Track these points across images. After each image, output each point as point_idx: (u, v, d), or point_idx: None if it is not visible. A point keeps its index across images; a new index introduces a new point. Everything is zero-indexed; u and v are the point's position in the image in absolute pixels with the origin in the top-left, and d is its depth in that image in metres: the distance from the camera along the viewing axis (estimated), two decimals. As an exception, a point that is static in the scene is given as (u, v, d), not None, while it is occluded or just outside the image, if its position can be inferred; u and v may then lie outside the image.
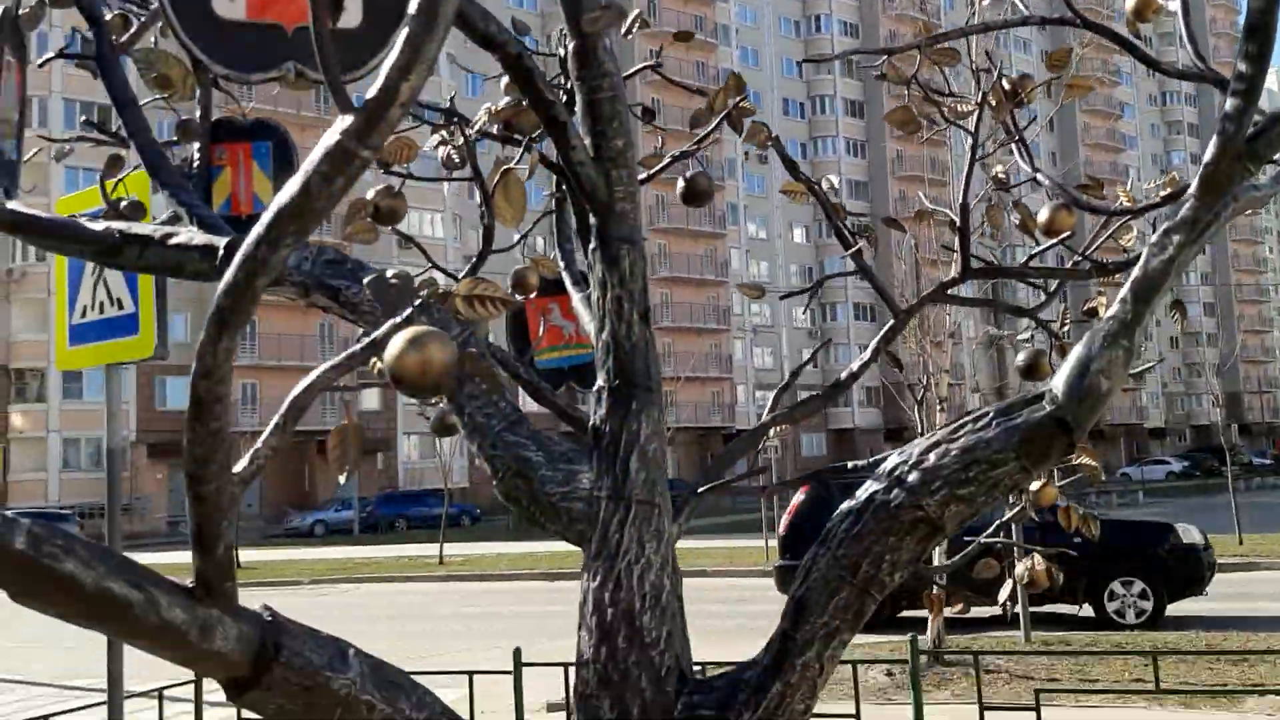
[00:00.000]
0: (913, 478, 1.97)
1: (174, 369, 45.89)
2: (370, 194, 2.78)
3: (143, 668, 4.79)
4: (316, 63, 1.36)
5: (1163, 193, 2.86)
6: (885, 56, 2.86)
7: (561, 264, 2.96)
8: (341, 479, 1.64)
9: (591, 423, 2.21)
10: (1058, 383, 1.95)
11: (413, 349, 1.32)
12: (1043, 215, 2.93)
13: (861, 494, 2.02)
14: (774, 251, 77.20)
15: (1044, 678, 9.73)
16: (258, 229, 1.25)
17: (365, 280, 1.54)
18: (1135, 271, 1.96)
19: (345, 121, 1.19)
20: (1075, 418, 1.92)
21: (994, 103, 2.89)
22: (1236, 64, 1.91)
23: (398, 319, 1.39)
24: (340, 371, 1.43)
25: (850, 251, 2.87)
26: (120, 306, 5.87)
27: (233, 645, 1.45)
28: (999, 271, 2.96)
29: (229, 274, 1.28)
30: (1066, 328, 2.99)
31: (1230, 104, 1.92)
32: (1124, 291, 1.96)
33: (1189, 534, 14.39)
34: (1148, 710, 8.56)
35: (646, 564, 2.12)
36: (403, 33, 1.18)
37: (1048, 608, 14.30)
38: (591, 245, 2.19)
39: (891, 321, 2.89)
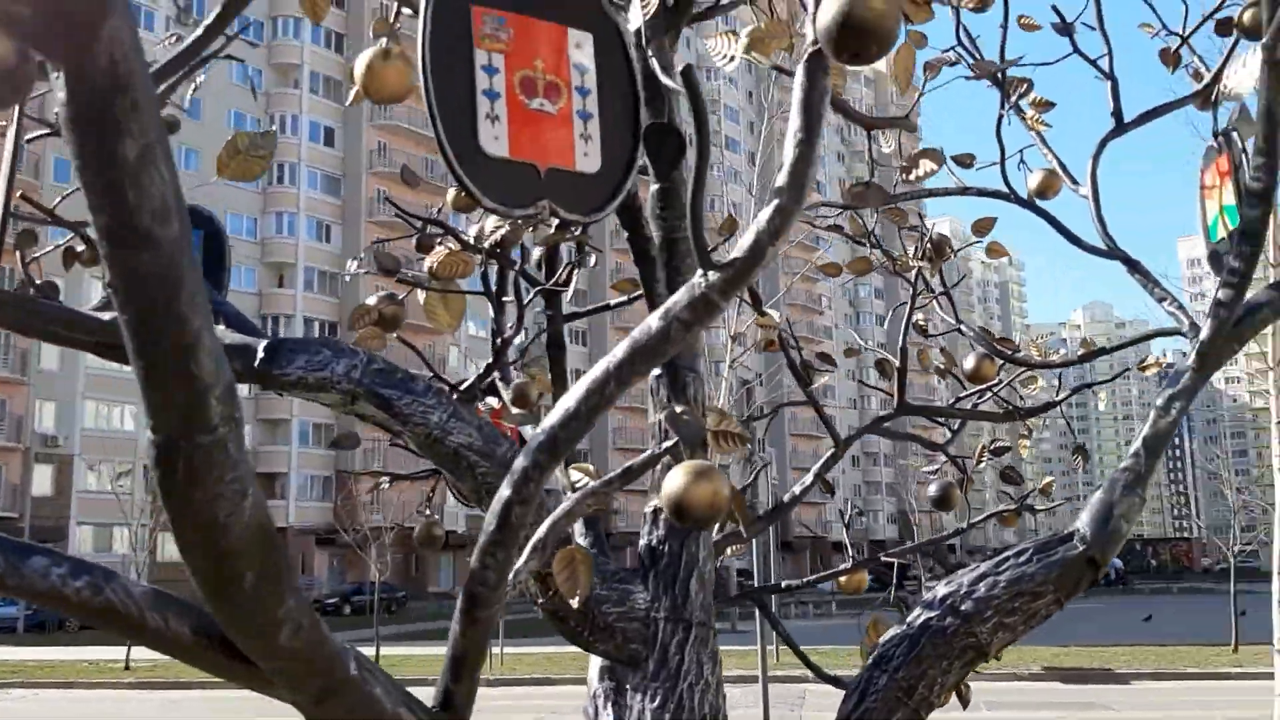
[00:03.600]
0: (966, 606, 2.17)
1: None
2: (372, 300, 2.77)
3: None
4: (564, 202, 1.45)
5: (1079, 353, 3.28)
6: (846, 211, 3.15)
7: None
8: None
9: (646, 543, 2.29)
10: (1084, 524, 2.22)
11: (703, 482, 1.40)
12: (968, 364, 3.28)
13: (915, 620, 2.20)
14: None
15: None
16: (608, 363, 1.30)
17: (663, 414, 1.59)
18: (1146, 430, 2.28)
19: (712, 276, 1.28)
20: (1102, 555, 2.19)
21: (928, 260, 3.23)
22: (1230, 260, 2.29)
23: (663, 449, 1.46)
24: (600, 497, 1.48)
25: (807, 387, 3.10)
26: None
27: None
28: (930, 410, 3.27)
29: (554, 417, 1.32)
30: (982, 465, 3.32)
31: (1223, 294, 2.29)
32: (1136, 446, 2.27)
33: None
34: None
35: (705, 685, 2.20)
36: (773, 202, 1.29)
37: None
38: (656, 372, 2.29)
39: (832, 450, 3.12)
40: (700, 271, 1.29)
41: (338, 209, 66.17)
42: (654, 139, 1.36)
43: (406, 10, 1.98)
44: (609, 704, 2.75)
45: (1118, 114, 3.21)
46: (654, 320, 1.30)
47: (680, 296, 1.29)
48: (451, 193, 3.18)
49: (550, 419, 1.32)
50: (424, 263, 2.99)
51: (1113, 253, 3.18)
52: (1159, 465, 2.27)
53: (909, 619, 2.22)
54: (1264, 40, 2.09)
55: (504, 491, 1.33)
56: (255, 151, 2.36)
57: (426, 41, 1.50)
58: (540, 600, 2.33)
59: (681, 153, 1.35)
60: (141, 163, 0.88)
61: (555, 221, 2.78)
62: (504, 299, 2.78)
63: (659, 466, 1.69)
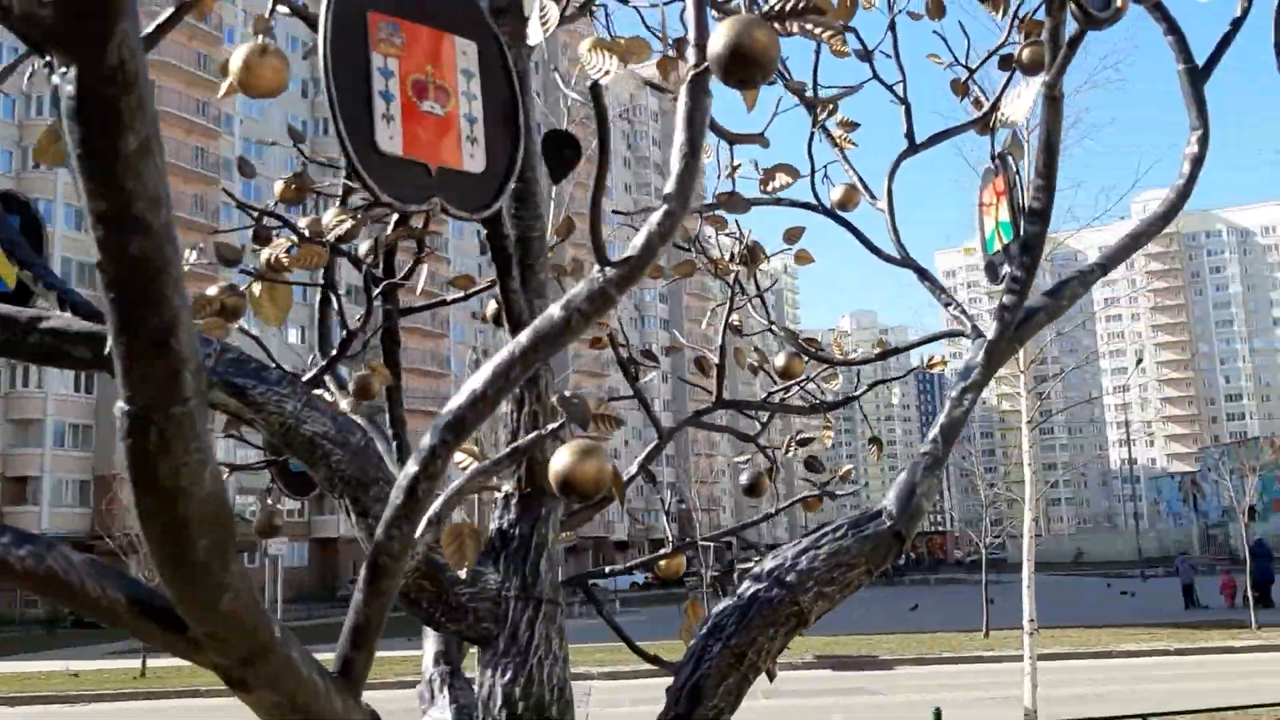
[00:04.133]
0: (790, 578, 2.39)
1: None
2: (213, 290, 2.78)
3: None
4: (453, 200, 1.59)
5: (875, 352, 3.58)
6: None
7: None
8: None
9: (498, 526, 2.41)
10: (890, 503, 2.48)
11: (588, 460, 1.55)
12: (779, 361, 3.54)
13: (744, 592, 2.41)
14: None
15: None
16: (513, 349, 1.43)
17: (555, 397, 1.70)
18: (942, 419, 2.57)
19: (609, 272, 1.43)
20: (906, 530, 2.45)
21: (744, 265, 3.47)
22: (1013, 269, 2.60)
23: (549, 429, 1.60)
24: (490, 475, 1.60)
25: (634, 382, 3.28)
26: None
27: (356, 736, 1.54)
28: (743, 404, 3.51)
29: (461, 399, 1.44)
30: (791, 454, 3.59)
31: (1007, 299, 2.61)
32: (934, 432, 2.55)
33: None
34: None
35: (554, 659, 2.34)
36: (663, 207, 1.45)
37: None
38: (508, 365, 2.42)
39: (656, 441, 3.32)
40: (598, 267, 1.44)
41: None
42: (552, 145, 1.49)
43: (282, 9, 2.05)
44: (445, 687, 2.85)
45: (910, 135, 3.53)
46: (556, 310, 1.44)
47: (580, 290, 1.43)
48: (279, 185, 3.23)
49: (457, 400, 1.44)
50: (261, 254, 3.02)
51: (906, 262, 3.50)
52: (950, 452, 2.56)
53: (739, 590, 2.43)
54: (1046, 79, 2.40)
55: (410, 468, 1.44)
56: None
57: (327, 43, 1.58)
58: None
59: (577, 158, 1.50)
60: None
61: (394, 218, 2.88)
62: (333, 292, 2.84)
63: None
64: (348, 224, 2.73)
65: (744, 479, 3.58)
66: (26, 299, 2.98)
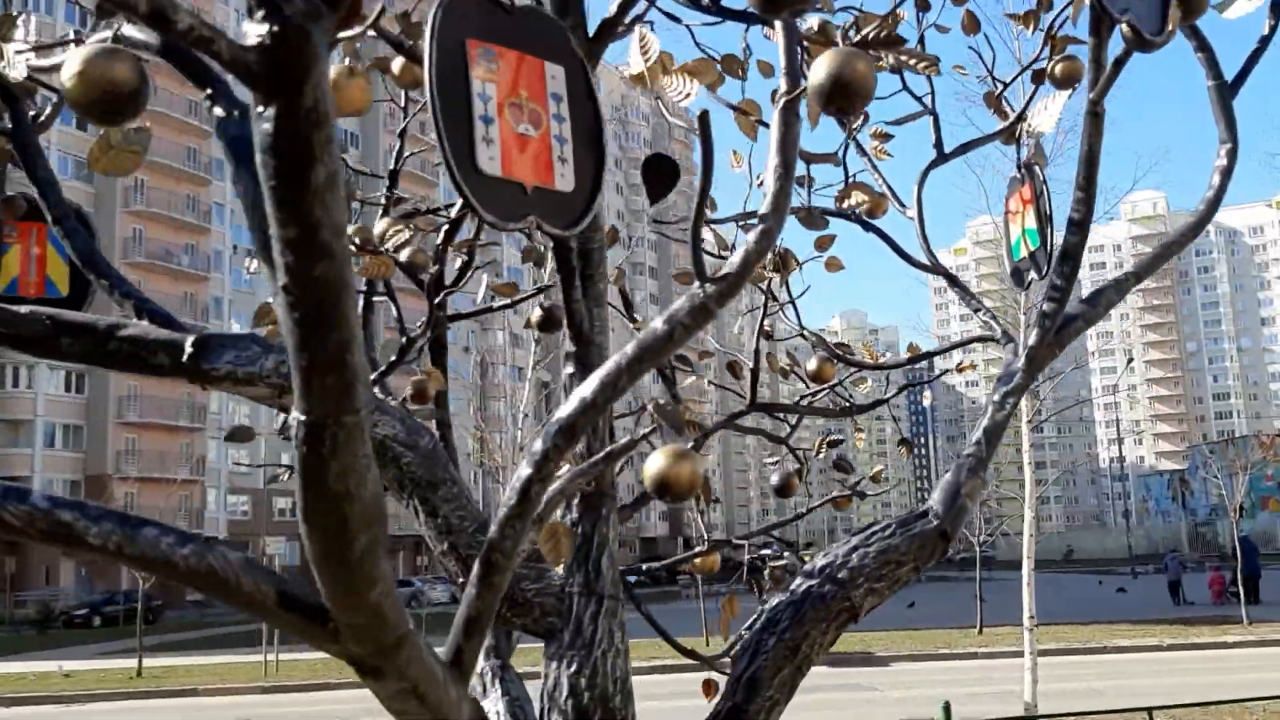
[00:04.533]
0: (842, 574, 2.48)
1: None
2: (270, 300, 2.87)
3: None
4: (546, 217, 1.69)
5: (905, 356, 3.68)
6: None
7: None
8: None
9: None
10: (936, 503, 2.57)
11: (683, 463, 1.64)
12: (811, 366, 3.63)
13: (798, 587, 2.50)
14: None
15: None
16: (619, 360, 1.52)
17: (651, 404, 1.78)
18: (985, 422, 2.66)
19: (709, 287, 1.52)
20: (951, 529, 2.55)
21: (777, 272, 3.56)
22: (1053, 278, 2.70)
23: (643, 434, 1.69)
24: (587, 476, 1.69)
25: (671, 386, 3.37)
26: None
27: (467, 723, 1.63)
28: (777, 407, 3.60)
29: (571, 406, 1.53)
30: (821, 455, 3.69)
31: (1047, 306, 2.70)
32: (978, 435, 2.65)
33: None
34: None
35: (616, 652, 2.43)
36: (759, 225, 1.54)
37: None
38: (569, 370, 2.51)
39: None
40: (697, 284, 1.53)
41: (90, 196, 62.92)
42: (653, 167, 1.58)
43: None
44: (496, 679, 2.94)
45: (939, 145, 3.62)
46: (659, 324, 1.53)
47: (683, 304, 1.52)
48: None
49: (568, 407, 1.53)
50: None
51: (935, 268, 3.60)
52: (989, 453, 2.65)
53: (793, 586, 2.52)
54: (1090, 95, 2.49)
55: (525, 470, 1.53)
56: (129, 146, 2.44)
57: (433, 68, 1.67)
58: (461, 580, 2.50)
59: (675, 180, 1.59)
60: (328, 186, 1.05)
61: (444, 228, 2.97)
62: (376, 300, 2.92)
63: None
64: (405, 234, 2.82)
65: (774, 480, 3.67)
66: (80, 304, 3.08)
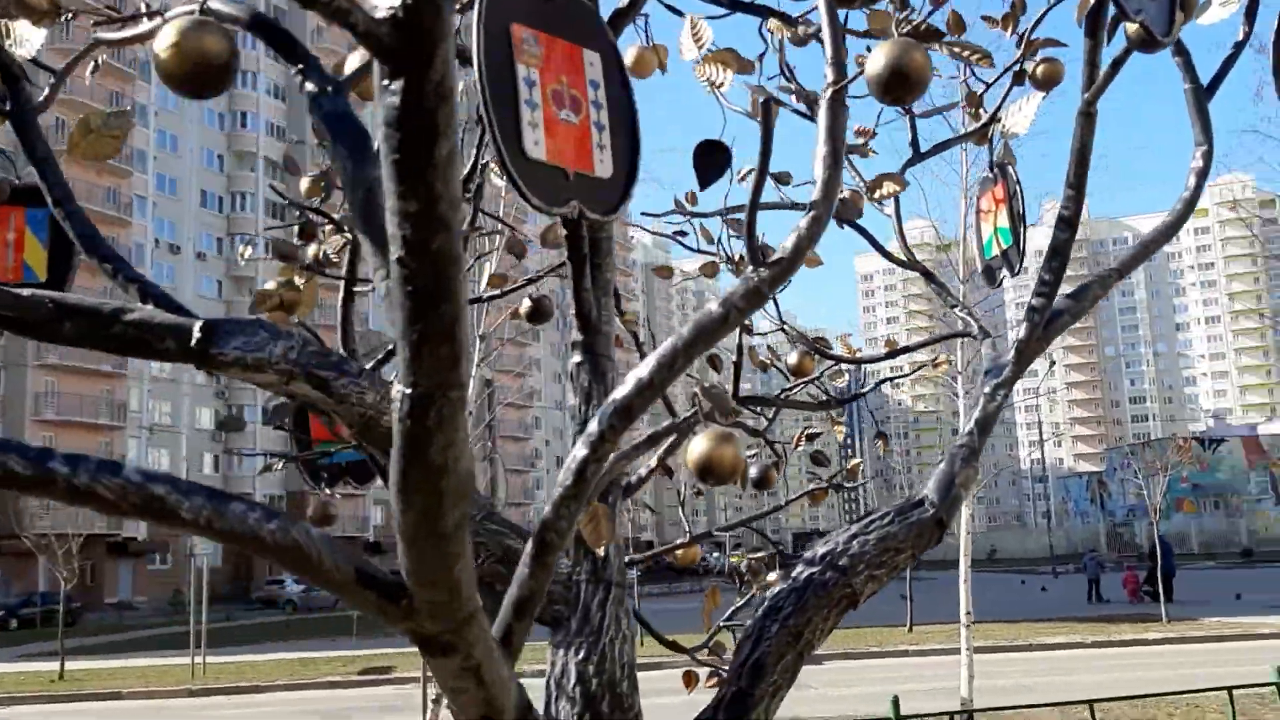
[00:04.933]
0: (843, 562, 2.53)
1: None
2: (271, 285, 2.86)
3: None
4: (588, 201, 1.72)
5: (883, 351, 3.75)
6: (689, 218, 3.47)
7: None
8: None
9: (568, 514, 2.51)
10: (931, 491, 2.63)
11: (726, 446, 1.67)
12: (791, 359, 3.69)
13: (799, 575, 2.54)
14: (175, 391, 73.00)
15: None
16: (675, 341, 1.55)
17: (698, 388, 1.80)
18: (977, 414, 2.73)
19: (763, 272, 1.56)
20: (946, 516, 2.61)
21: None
22: (1042, 274, 2.78)
23: (683, 418, 1.72)
24: (630, 459, 1.72)
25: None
26: None
27: (513, 703, 1.65)
28: (758, 400, 3.64)
29: (628, 388, 1.55)
30: (800, 449, 3.74)
31: (1036, 301, 2.77)
32: (970, 426, 2.71)
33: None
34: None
35: (623, 638, 2.46)
36: (810, 212, 1.58)
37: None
38: (577, 359, 2.53)
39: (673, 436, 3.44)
40: (751, 268, 1.57)
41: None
42: (704, 153, 1.61)
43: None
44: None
45: (915, 144, 3.70)
46: (715, 307, 1.56)
47: (738, 288, 1.56)
48: (305, 182, 3.30)
49: (624, 388, 1.55)
50: (308, 249, 3.08)
51: (913, 264, 3.68)
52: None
53: (794, 574, 2.56)
54: (1086, 96, 2.58)
55: (580, 451, 1.55)
56: (109, 130, 2.42)
57: (481, 54, 1.69)
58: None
59: (727, 166, 1.62)
60: (449, 161, 1.07)
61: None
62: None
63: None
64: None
65: (753, 472, 3.71)
66: (60, 286, 3.03)
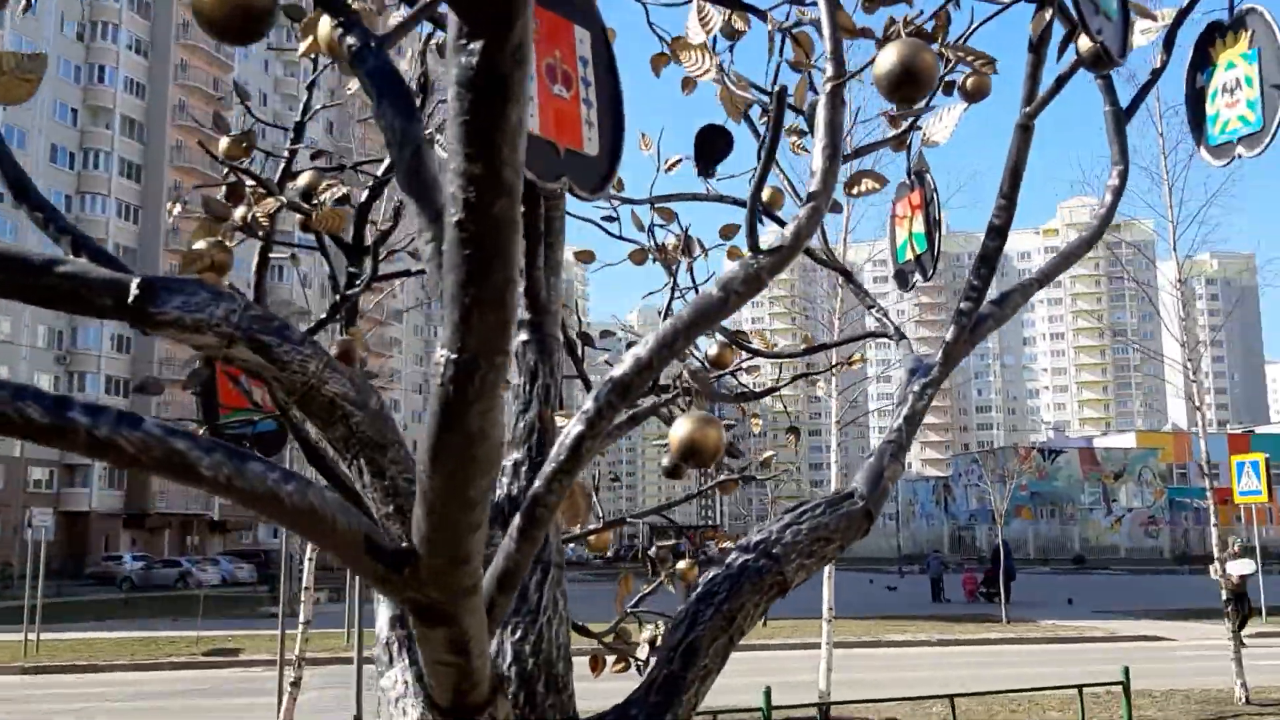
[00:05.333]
0: (776, 550, 2.58)
1: None
2: (201, 245, 2.76)
3: None
4: (577, 178, 1.73)
5: (802, 346, 3.83)
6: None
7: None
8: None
9: (506, 493, 2.50)
10: (861, 484, 2.71)
11: (710, 428, 1.70)
12: (711, 351, 3.73)
13: (734, 561, 2.59)
14: (14, 308, 69.68)
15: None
16: (675, 323, 1.56)
17: (685, 372, 1.79)
18: (905, 410, 2.81)
19: (762, 258, 1.59)
20: (875, 508, 2.69)
21: (686, 255, 3.65)
22: (970, 279, 2.88)
23: (665, 399, 1.74)
24: (615, 438, 1.72)
25: (580, 364, 3.40)
26: None
27: (489, 676, 1.64)
28: (685, 392, 3.68)
29: (626, 366, 1.56)
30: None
31: (964, 305, 2.87)
32: (898, 422, 2.80)
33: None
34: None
35: (560, 619, 2.46)
36: (809, 203, 1.62)
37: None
38: (524, 337, 2.51)
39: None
40: (750, 255, 1.59)
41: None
42: (706, 139, 1.63)
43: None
44: (403, 650, 2.91)
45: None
46: (714, 289, 1.58)
47: (737, 272, 1.58)
48: (225, 141, 3.20)
49: (622, 366, 1.56)
50: (236, 212, 2.99)
51: (833, 264, 3.76)
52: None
53: (728, 560, 2.60)
54: (1026, 110, 2.67)
55: (576, 427, 1.55)
56: (22, 74, 2.33)
57: None
58: (405, 543, 2.47)
59: (728, 152, 1.64)
60: (518, 127, 1.06)
61: (370, 185, 2.92)
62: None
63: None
64: (339, 189, 2.77)
65: (666, 461, 3.75)
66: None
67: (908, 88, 1.50)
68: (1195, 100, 3.12)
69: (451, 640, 1.45)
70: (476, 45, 1.02)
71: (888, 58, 1.50)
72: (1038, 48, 2.62)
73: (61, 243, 2.34)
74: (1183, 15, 3.05)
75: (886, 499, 2.72)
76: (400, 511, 2.48)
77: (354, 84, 2.57)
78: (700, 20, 1.69)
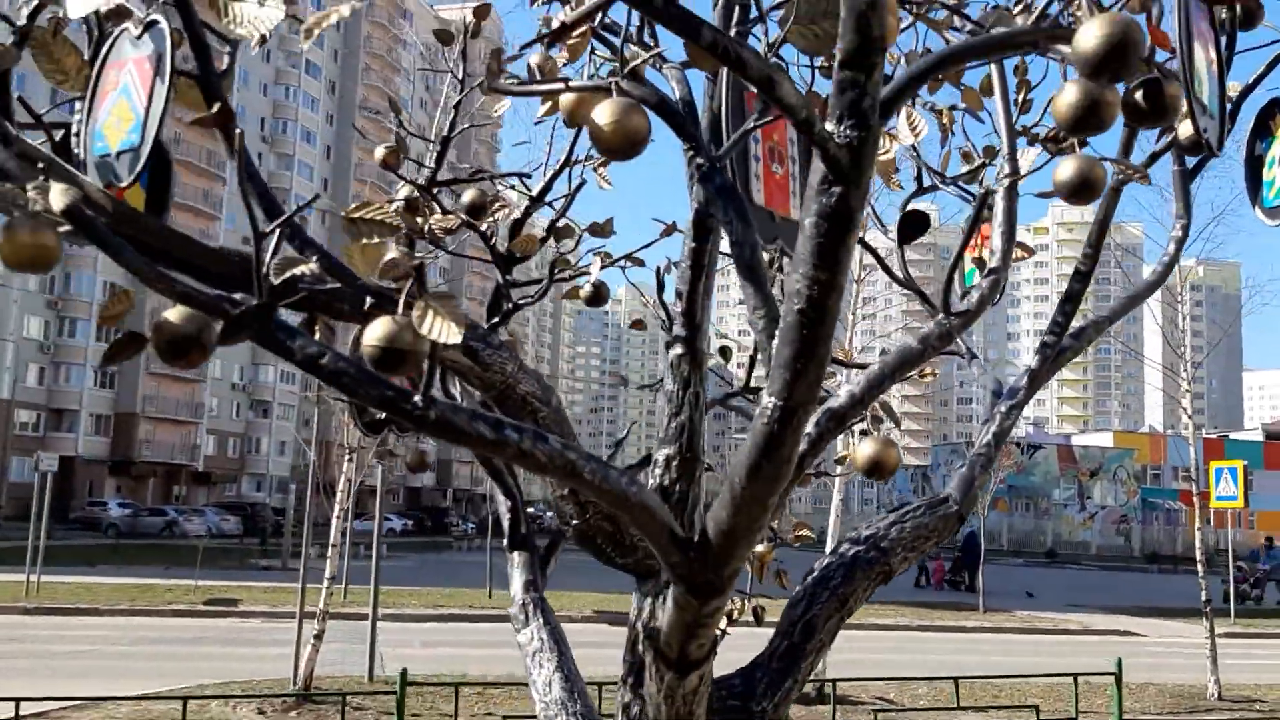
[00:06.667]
0: (884, 544, 3.01)
1: None
2: (393, 254, 3.15)
3: None
4: (788, 240, 2.15)
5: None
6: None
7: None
8: None
9: (659, 484, 2.92)
10: (954, 490, 3.13)
11: (891, 449, 2.11)
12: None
13: (847, 552, 3.01)
14: None
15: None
16: (882, 367, 1.97)
17: (876, 403, 2.20)
18: (994, 428, 3.24)
19: (952, 320, 2.00)
20: (965, 512, 3.12)
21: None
22: (1055, 315, 3.30)
23: (853, 424, 2.15)
24: (811, 459, 2.14)
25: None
26: None
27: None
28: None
29: (842, 399, 1.97)
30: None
31: (1049, 339, 3.29)
32: (987, 437, 3.22)
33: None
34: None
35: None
36: (991, 277, 2.03)
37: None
38: (679, 351, 2.92)
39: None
40: (941, 315, 2.01)
41: None
42: (909, 221, 2.04)
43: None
44: (538, 610, 3.34)
45: (919, 179, 4.19)
46: (913, 342, 2.00)
47: (933, 329, 2.00)
48: (380, 151, 3.59)
49: (838, 399, 1.97)
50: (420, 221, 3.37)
51: (909, 284, 4.17)
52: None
53: (841, 550, 3.03)
54: (1117, 175, 3.09)
55: (802, 447, 1.97)
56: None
57: (726, 117, 2.07)
58: (575, 521, 2.89)
59: (923, 232, 2.05)
60: (852, 245, 1.47)
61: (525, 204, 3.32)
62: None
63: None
64: (507, 208, 3.16)
65: (840, 469, 4.17)
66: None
67: (1082, 195, 1.91)
68: (1253, 165, 3.54)
69: (716, 609, 1.87)
70: (837, 190, 1.43)
71: (1066, 170, 1.90)
72: (1129, 122, 3.03)
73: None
74: (1246, 92, 3.47)
75: (975, 504, 3.15)
76: (575, 494, 2.90)
77: (500, 105, 2.97)
78: (909, 125, 2.09)
